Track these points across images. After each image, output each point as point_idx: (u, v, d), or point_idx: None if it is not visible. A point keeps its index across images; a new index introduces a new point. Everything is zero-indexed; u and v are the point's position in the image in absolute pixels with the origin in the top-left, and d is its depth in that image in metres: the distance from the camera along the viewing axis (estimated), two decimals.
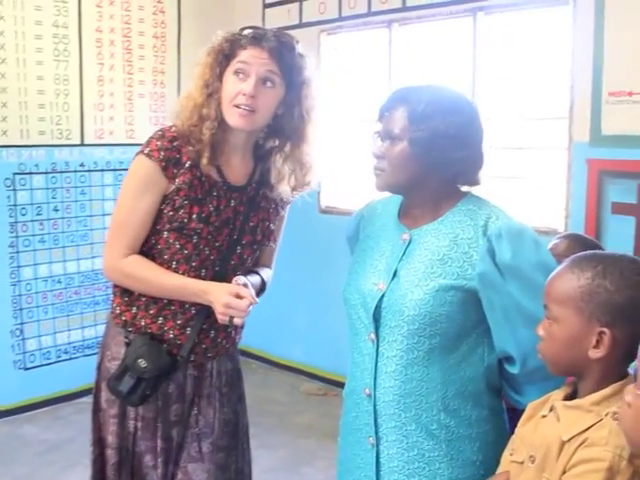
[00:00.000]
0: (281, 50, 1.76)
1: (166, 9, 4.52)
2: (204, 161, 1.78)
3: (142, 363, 1.81)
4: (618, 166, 3.21)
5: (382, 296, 1.56)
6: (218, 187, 1.84)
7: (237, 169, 1.87)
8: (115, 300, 1.92)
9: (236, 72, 1.75)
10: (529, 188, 3.59)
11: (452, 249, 1.53)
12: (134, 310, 1.87)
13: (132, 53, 4.37)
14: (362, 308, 1.60)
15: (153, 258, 1.84)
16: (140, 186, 1.80)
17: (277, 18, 4.65)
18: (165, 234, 1.82)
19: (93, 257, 4.28)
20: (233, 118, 1.76)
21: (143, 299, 1.86)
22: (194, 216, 1.81)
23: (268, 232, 1.95)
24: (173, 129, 1.81)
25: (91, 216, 4.28)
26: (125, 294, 1.88)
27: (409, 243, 1.58)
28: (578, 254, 1.35)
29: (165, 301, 1.85)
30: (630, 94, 3.15)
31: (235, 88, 1.74)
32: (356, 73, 4.41)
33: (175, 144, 1.79)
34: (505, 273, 1.46)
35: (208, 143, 1.78)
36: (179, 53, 4.62)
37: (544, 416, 1.34)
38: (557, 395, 1.36)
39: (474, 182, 1.60)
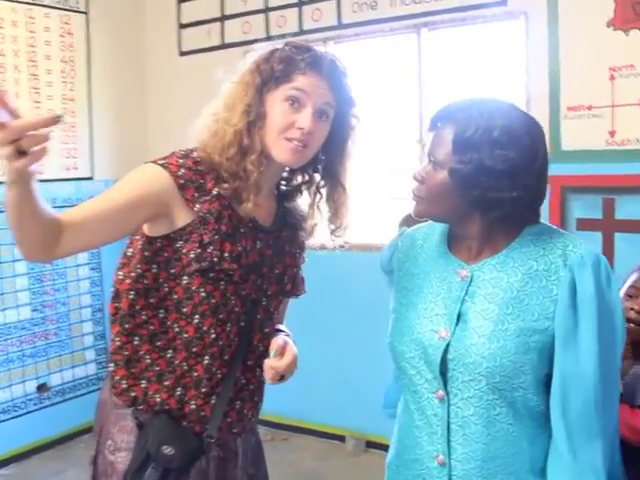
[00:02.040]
0: (340, 79, 1.54)
1: (74, 30, 4.18)
2: (249, 205, 1.50)
3: (168, 450, 1.49)
4: (581, 181, 3.20)
5: (447, 346, 1.36)
6: (245, 225, 1.56)
7: (264, 206, 1.61)
8: (118, 372, 1.57)
9: (289, 99, 1.49)
10: None
11: (527, 284, 1.34)
12: (144, 384, 1.55)
13: (39, 79, 4.00)
14: (422, 361, 1.40)
15: (166, 312, 1.53)
16: (141, 193, 1.46)
17: (195, 39, 4.42)
18: (185, 280, 1.51)
19: (4, 309, 3.86)
20: (283, 153, 1.50)
21: (156, 369, 1.55)
22: (226, 254, 1.51)
23: (297, 280, 1.69)
24: (196, 154, 1.52)
25: None
26: (132, 364, 1.56)
27: (470, 280, 1.38)
28: None
29: (185, 367, 1.54)
30: (589, 108, 3.16)
31: (288, 119, 1.49)
32: None
33: (200, 168, 1.51)
34: (582, 310, 1.30)
35: (255, 183, 1.51)
36: (89, 79, 4.28)
37: None
38: None
39: (530, 220, 1.39)
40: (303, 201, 1.71)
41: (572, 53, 3.19)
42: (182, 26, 4.52)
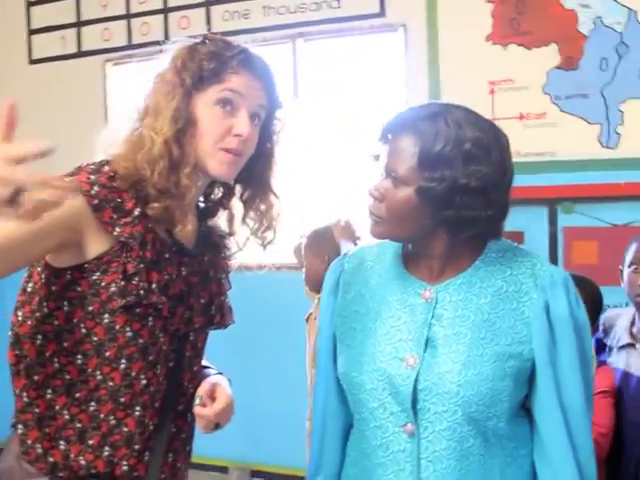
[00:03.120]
0: (272, 79, 1.35)
1: None
2: (187, 227, 1.28)
3: None
4: None
5: (417, 375, 1.22)
6: (169, 249, 1.33)
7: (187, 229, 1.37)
8: (29, 435, 1.28)
9: (221, 102, 1.29)
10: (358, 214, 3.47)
11: (497, 306, 1.23)
12: (63, 446, 1.27)
13: None
14: (387, 392, 1.25)
15: (85, 358, 1.26)
16: (46, 219, 1.13)
17: (48, 46, 4.08)
18: (107, 318, 1.25)
19: None
20: (220, 165, 1.29)
21: (77, 425, 1.27)
22: (154, 286, 1.27)
23: (225, 310, 1.45)
24: (107, 168, 1.26)
25: None
26: (46, 422, 1.28)
27: (435, 302, 1.25)
28: None
29: (112, 421, 1.27)
30: None
31: (223, 125, 1.28)
32: None
33: (115, 185, 1.25)
34: (559, 331, 1.22)
35: (192, 200, 1.31)
36: None
37: None
38: None
39: (495, 235, 1.29)
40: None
41: (452, 66, 3.20)
42: (32, 32, 4.17)
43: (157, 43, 3.96)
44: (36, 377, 1.27)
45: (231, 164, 1.30)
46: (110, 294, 1.24)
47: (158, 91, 1.29)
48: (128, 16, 3.88)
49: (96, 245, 1.23)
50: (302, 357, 2.79)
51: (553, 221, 3.15)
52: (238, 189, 1.43)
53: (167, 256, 1.31)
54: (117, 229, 1.23)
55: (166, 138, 1.26)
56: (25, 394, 1.28)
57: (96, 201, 1.21)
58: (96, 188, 1.22)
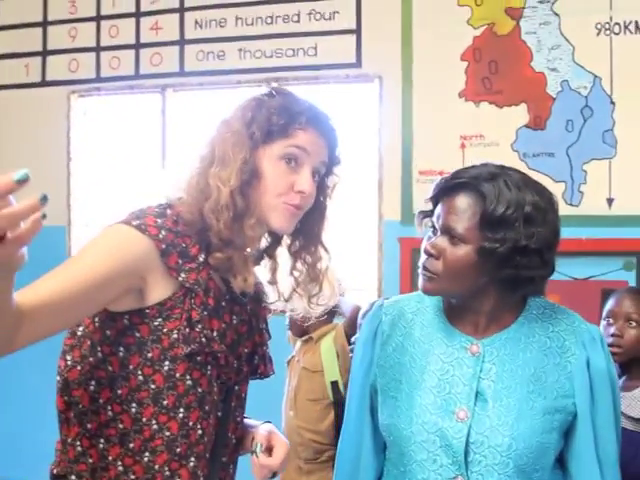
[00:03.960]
0: (336, 137, 1.39)
1: None
2: (249, 279, 1.30)
3: None
4: None
5: (469, 428, 1.28)
6: (223, 296, 1.34)
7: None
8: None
9: (287, 157, 1.32)
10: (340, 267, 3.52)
11: (542, 361, 1.32)
12: (102, 445, 1.26)
13: None
14: (437, 445, 1.30)
15: (140, 407, 1.25)
16: (117, 265, 1.19)
17: (9, 74, 4.02)
18: (167, 366, 1.25)
19: None
20: (282, 219, 1.33)
21: (130, 477, 1.25)
22: (215, 334, 1.28)
23: (267, 360, 1.47)
24: (170, 212, 1.29)
25: None
26: (99, 473, 1.26)
27: (483, 356, 1.32)
28: None
29: (167, 472, 1.26)
30: (441, 173, 3.26)
31: (287, 180, 1.31)
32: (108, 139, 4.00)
33: (179, 230, 1.28)
34: (598, 386, 1.31)
35: (254, 251, 1.34)
36: None
37: None
38: None
39: (540, 293, 1.39)
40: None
41: (425, 119, 3.32)
42: None
43: (127, 78, 4.01)
44: (89, 425, 1.26)
45: (292, 218, 1.34)
46: (172, 341, 1.24)
47: (226, 141, 1.31)
48: (98, 49, 3.88)
49: (159, 290, 1.24)
50: (279, 399, 2.82)
51: None
52: (287, 240, 1.45)
53: (223, 304, 1.33)
54: (182, 275, 1.25)
55: (232, 189, 1.28)
56: (79, 443, 1.27)
57: (164, 245, 1.23)
58: (163, 232, 1.24)
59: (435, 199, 1.36)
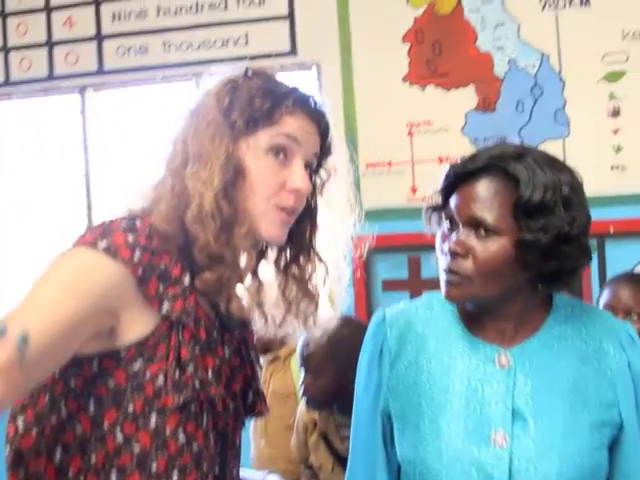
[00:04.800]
0: (327, 120, 1.18)
1: None
2: (247, 300, 1.10)
3: None
4: (385, 241, 3.09)
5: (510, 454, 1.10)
6: (213, 325, 1.11)
7: None
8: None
9: (275, 150, 1.10)
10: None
11: (580, 369, 1.16)
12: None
13: None
14: (475, 478, 1.13)
15: (122, 475, 1.00)
16: (88, 302, 0.96)
17: None
18: (153, 421, 1.01)
19: None
20: (273, 227, 1.10)
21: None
22: (210, 375, 1.06)
23: (262, 396, 1.24)
24: (140, 224, 1.05)
25: None
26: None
27: (515, 368, 1.15)
28: None
29: (183, 440, 1.02)
30: (390, 164, 3.13)
31: (277, 178, 1.10)
32: None
33: (155, 245, 1.03)
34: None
35: (248, 268, 1.12)
36: None
37: None
38: None
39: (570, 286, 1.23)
40: None
41: (368, 107, 3.15)
42: None
43: (41, 80, 3.72)
44: None
45: (284, 225, 1.12)
46: (158, 388, 1.01)
47: (201, 134, 1.09)
48: (5, 49, 3.56)
49: (138, 326, 1.01)
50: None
51: None
52: (272, 252, 1.23)
53: (215, 334, 1.10)
54: (166, 304, 1.02)
55: (216, 192, 1.05)
56: None
57: (140, 270, 1.00)
58: (138, 253, 1.00)
59: (447, 189, 1.18)
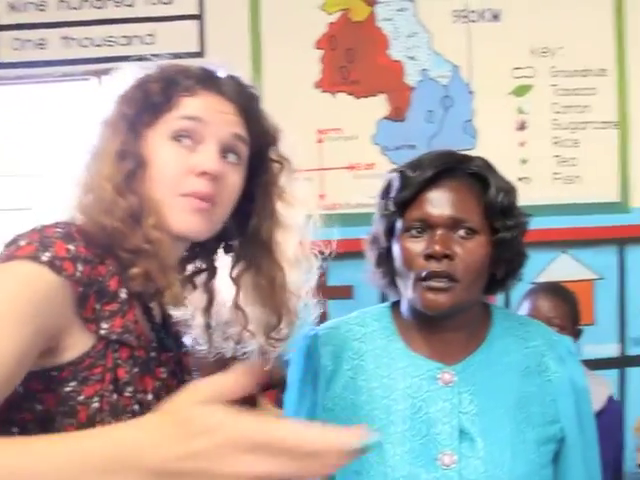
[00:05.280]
0: (250, 99, 1.08)
1: None
2: (174, 289, 0.98)
3: None
4: None
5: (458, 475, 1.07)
6: (150, 343, 1.02)
7: (156, 310, 1.07)
8: None
9: (177, 135, 1.02)
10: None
11: (524, 385, 1.15)
12: None
13: None
14: None
15: None
16: (33, 307, 0.84)
17: None
18: None
19: None
20: (182, 216, 1.00)
21: None
22: (150, 397, 0.97)
23: None
24: (75, 229, 0.95)
25: None
26: None
27: (459, 386, 1.14)
28: None
29: None
30: (299, 172, 3.09)
31: (181, 163, 1.00)
32: None
33: (91, 256, 0.93)
34: (582, 404, 1.17)
35: (171, 260, 1.00)
36: None
37: None
38: None
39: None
40: None
41: (278, 113, 3.09)
42: None
43: None
44: None
45: (200, 214, 1.01)
46: (92, 413, 0.90)
47: (98, 130, 1.01)
48: None
49: (73, 347, 0.90)
50: None
51: None
52: (227, 262, 1.13)
53: (152, 354, 1.00)
54: (104, 325, 0.91)
55: (116, 183, 0.97)
56: None
57: (81, 289, 0.89)
58: (80, 267, 0.90)
59: (410, 193, 1.17)
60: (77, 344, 0.91)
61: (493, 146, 3.04)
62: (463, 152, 1.26)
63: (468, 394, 1.13)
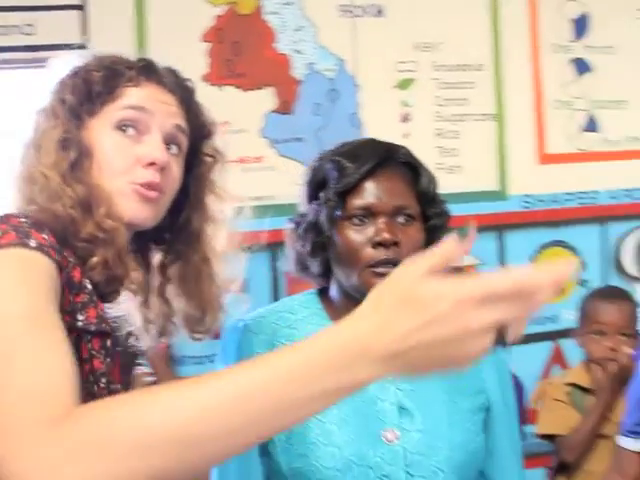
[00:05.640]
0: (188, 93, 1.12)
1: None
2: (136, 276, 1.02)
3: None
4: None
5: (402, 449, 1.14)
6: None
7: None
8: None
9: (122, 125, 1.03)
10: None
11: None
12: None
13: None
14: (372, 478, 1.14)
15: None
16: (46, 290, 0.84)
17: None
18: None
19: None
20: (130, 204, 1.01)
21: None
22: (118, 386, 0.99)
23: None
24: (31, 219, 0.94)
25: None
26: None
27: None
28: None
29: None
30: None
31: (127, 153, 1.02)
32: None
33: (59, 246, 0.93)
34: (504, 377, 1.31)
35: (124, 242, 1.00)
36: None
37: None
38: None
39: None
40: None
41: None
42: None
43: None
44: None
45: (147, 203, 1.03)
46: None
47: (38, 121, 1.02)
48: None
49: None
50: None
51: (274, 266, 3.20)
52: (157, 255, 1.14)
53: (118, 348, 1.03)
54: (79, 317, 0.92)
55: (62, 172, 0.97)
56: None
57: (64, 277, 0.90)
58: (57, 256, 0.90)
59: (352, 183, 1.22)
60: None
61: (378, 138, 3.15)
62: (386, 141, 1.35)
63: None
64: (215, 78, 3.10)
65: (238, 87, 3.11)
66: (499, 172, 3.30)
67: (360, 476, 1.15)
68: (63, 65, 1.08)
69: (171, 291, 1.14)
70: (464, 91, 3.30)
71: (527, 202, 3.38)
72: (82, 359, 0.94)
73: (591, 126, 3.56)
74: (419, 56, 3.23)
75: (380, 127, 3.16)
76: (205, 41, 3.09)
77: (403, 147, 1.31)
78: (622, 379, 2.17)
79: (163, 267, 1.15)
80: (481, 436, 1.24)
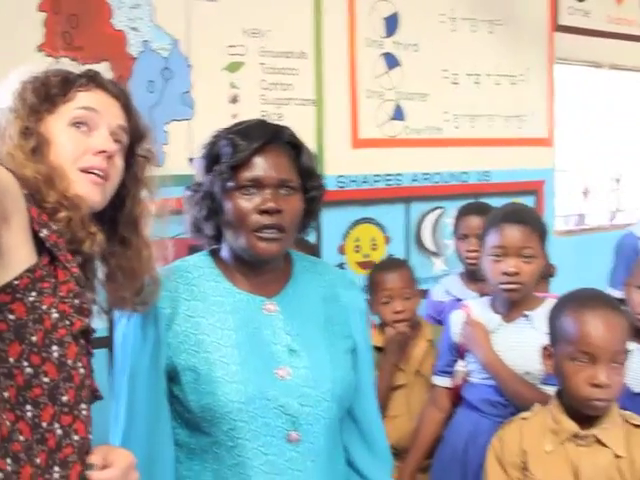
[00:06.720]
0: (128, 99, 1.33)
1: None
2: (97, 237, 1.22)
3: None
4: None
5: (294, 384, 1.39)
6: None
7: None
8: None
9: (76, 122, 1.26)
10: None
11: (326, 310, 1.51)
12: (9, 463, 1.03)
13: None
14: (271, 408, 1.37)
15: (37, 408, 1.08)
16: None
17: None
18: (55, 353, 1.11)
19: None
20: (83, 186, 1.23)
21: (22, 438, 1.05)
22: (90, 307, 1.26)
23: None
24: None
25: None
26: None
27: (281, 313, 1.45)
28: None
29: (59, 430, 1.09)
30: None
31: (80, 144, 1.24)
32: None
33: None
34: (362, 322, 1.57)
35: (86, 209, 1.24)
36: None
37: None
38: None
39: None
40: None
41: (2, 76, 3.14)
42: None
43: None
44: None
45: (97, 186, 1.25)
46: (54, 320, 1.09)
47: (2, 117, 1.22)
48: None
49: (23, 251, 1.09)
50: None
51: None
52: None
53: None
54: (44, 231, 1.11)
55: (25, 153, 1.18)
56: None
57: (25, 191, 1.10)
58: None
59: (243, 158, 1.42)
60: (26, 250, 1.10)
61: (208, 117, 3.40)
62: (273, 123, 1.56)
63: (289, 318, 1.46)
64: (51, 48, 3.17)
65: (74, 59, 3.18)
66: (317, 154, 3.65)
67: (261, 407, 1.37)
68: (26, 71, 1.29)
69: (114, 273, 1.37)
70: (288, 77, 3.61)
71: (341, 182, 3.77)
72: (58, 281, 1.13)
73: (398, 115, 4.03)
74: (248, 41, 3.49)
75: (210, 107, 3.40)
76: (42, 11, 3.17)
77: (288, 128, 1.52)
78: (408, 336, 2.60)
79: (110, 251, 1.36)
80: (353, 372, 1.52)
